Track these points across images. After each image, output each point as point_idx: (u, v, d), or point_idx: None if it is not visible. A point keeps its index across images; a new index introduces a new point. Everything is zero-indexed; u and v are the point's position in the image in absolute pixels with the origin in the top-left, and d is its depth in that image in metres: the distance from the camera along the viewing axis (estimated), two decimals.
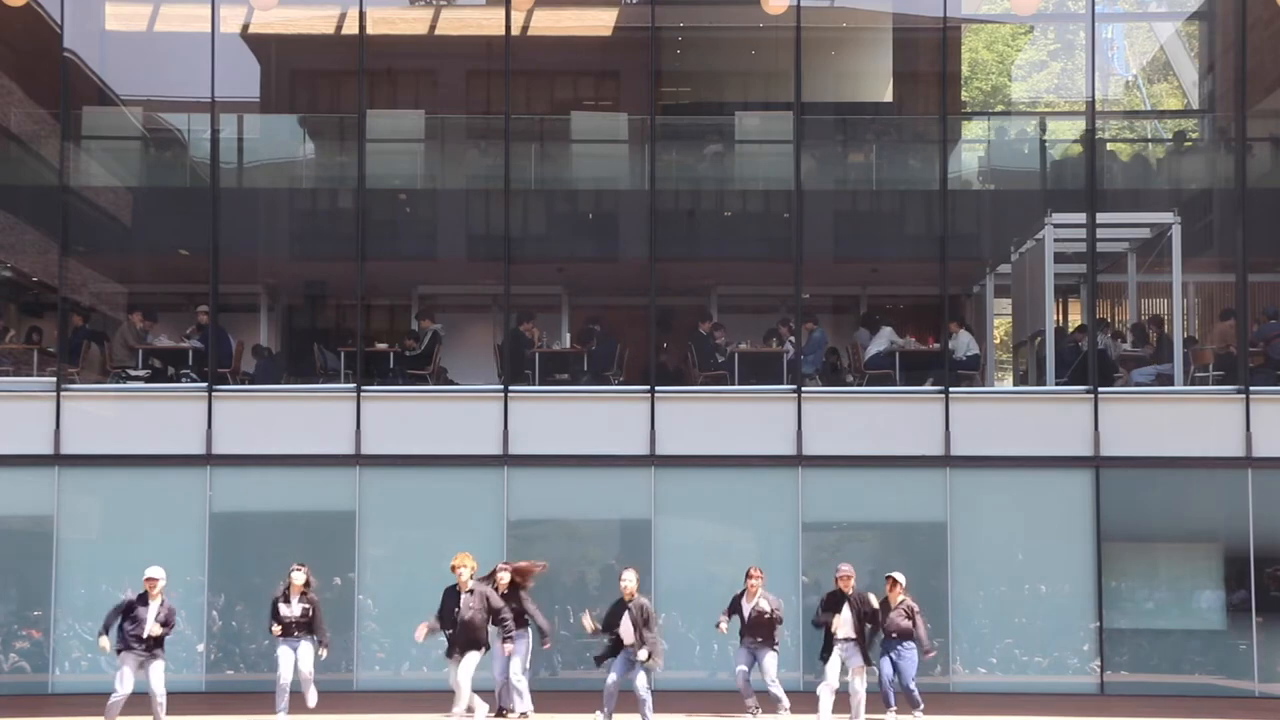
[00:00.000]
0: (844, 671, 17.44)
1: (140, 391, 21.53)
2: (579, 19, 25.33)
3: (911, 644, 17.93)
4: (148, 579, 17.02)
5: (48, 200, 21.83)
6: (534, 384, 21.64)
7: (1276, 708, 19.79)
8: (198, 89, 21.64)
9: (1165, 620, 21.04)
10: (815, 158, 22.61)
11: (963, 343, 22.14)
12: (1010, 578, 20.91)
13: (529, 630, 17.86)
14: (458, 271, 23.99)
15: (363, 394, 21.04)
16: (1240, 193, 21.53)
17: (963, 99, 27.61)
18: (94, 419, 20.93)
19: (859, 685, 17.33)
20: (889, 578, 18.06)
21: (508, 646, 17.50)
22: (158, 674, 16.98)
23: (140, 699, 16.96)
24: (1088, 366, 21.22)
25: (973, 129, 26.22)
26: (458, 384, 22.45)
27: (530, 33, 23.98)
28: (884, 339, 22.46)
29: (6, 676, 20.66)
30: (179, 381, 21.78)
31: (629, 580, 17.26)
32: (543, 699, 18.30)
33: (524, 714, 17.60)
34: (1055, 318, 23.17)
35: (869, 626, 17.63)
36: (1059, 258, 22.21)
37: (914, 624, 17.97)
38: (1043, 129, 25.41)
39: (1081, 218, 21.59)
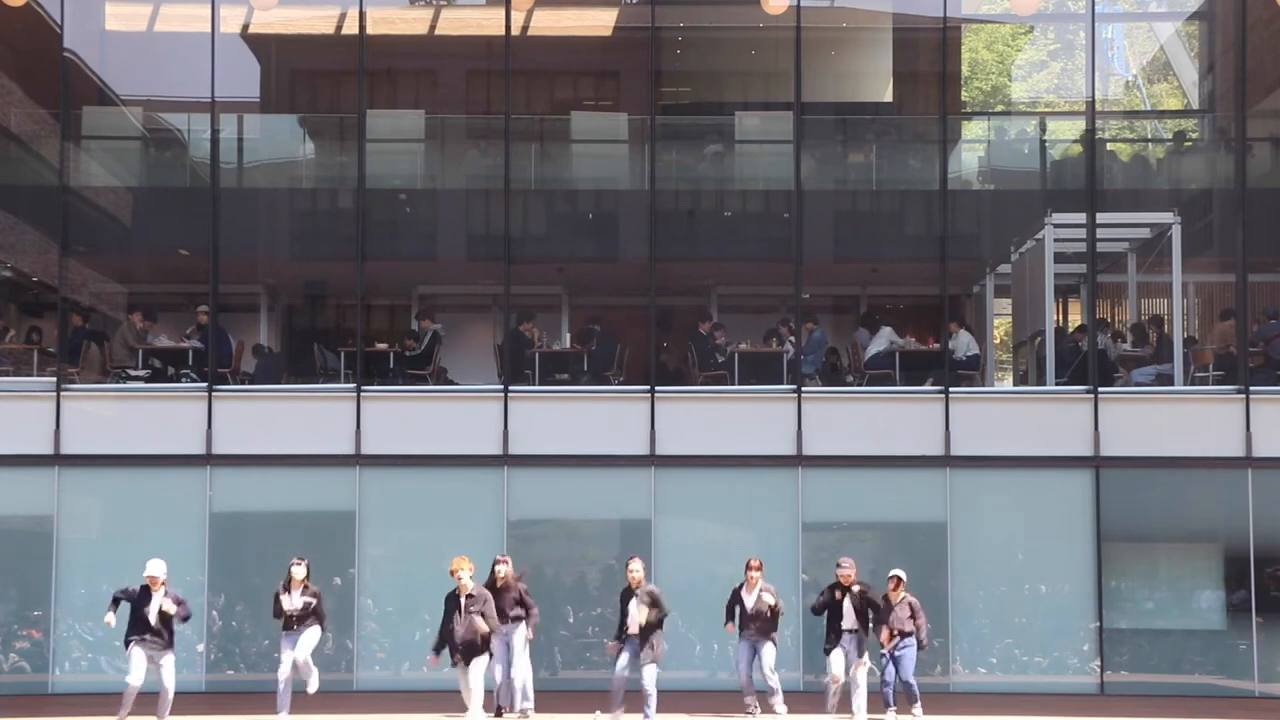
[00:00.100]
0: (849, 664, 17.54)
1: (140, 391, 21.52)
2: (579, 19, 25.33)
3: (911, 639, 17.94)
4: (149, 576, 16.99)
5: (48, 200, 21.83)
6: (534, 384, 21.63)
7: (1276, 708, 19.78)
8: (198, 89, 21.64)
9: (1165, 620, 21.04)
10: (815, 158, 22.60)
11: (963, 343, 22.14)
12: (1010, 578, 20.91)
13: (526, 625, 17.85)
14: (458, 271, 23.99)
15: (363, 394, 21.03)
16: (1240, 193, 21.53)
17: (963, 99, 27.61)
18: (94, 419, 20.93)
19: (861, 678, 17.44)
20: (893, 576, 18.05)
21: (518, 632, 17.47)
22: (169, 669, 16.95)
23: (144, 699, 16.95)
24: (1088, 366, 21.22)
25: (973, 129, 26.22)
26: (458, 384, 22.45)
27: (530, 33, 23.98)
28: (884, 339, 22.46)
29: (6, 676, 20.65)
30: (179, 381, 21.78)
31: (637, 569, 17.36)
32: (543, 699, 18.30)
33: (524, 712, 17.60)
34: (1055, 318, 23.17)
35: (870, 615, 17.66)
36: (1059, 258, 22.20)
37: (915, 620, 17.96)
38: (1043, 129, 25.41)
39: (1081, 218, 21.59)
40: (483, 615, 17.01)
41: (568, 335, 24.25)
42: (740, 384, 21.62)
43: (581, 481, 20.98)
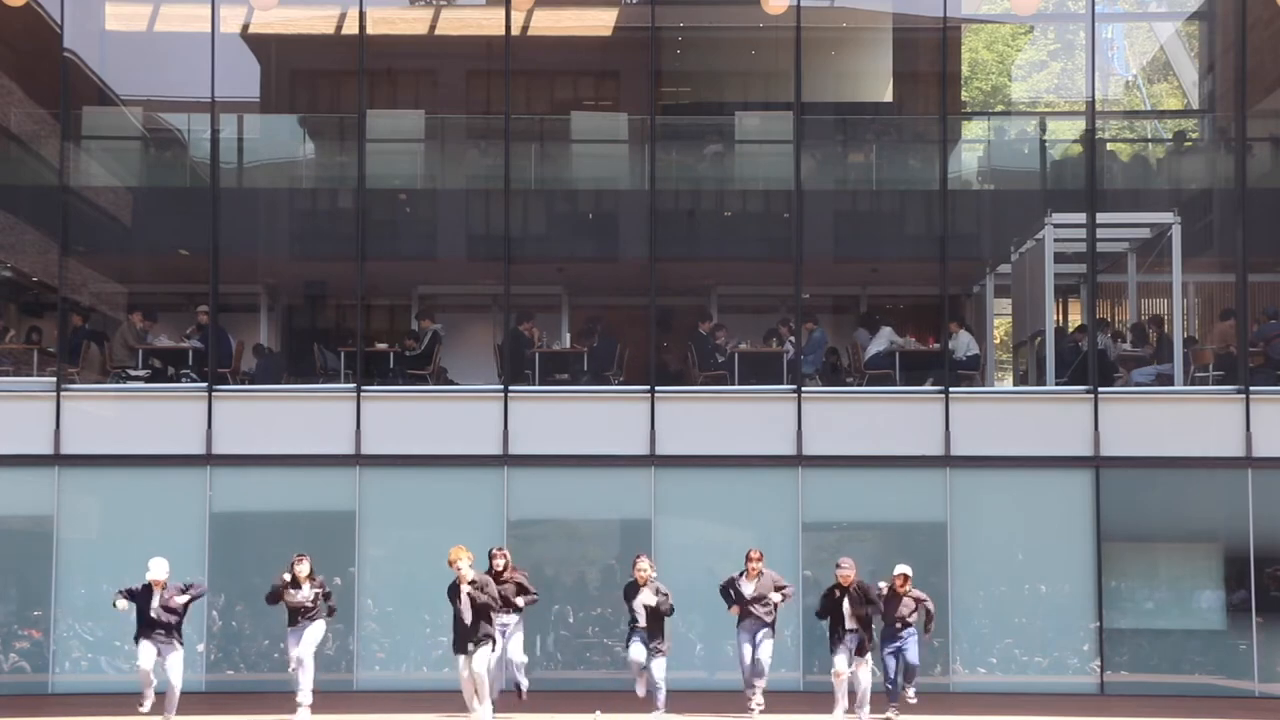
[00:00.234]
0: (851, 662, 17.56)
1: (140, 391, 21.52)
2: (579, 19, 25.32)
3: (913, 630, 17.91)
4: (152, 579, 16.90)
5: (48, 200, 21.83)
6: (534, 384, 21.63)
7: (1276, 708, 19.78)
8: (198, 89, 21.64)
9: (1165, 620, 21.05)
10: (815, 158, 22.60)
11: (963, 343, 22.13)
12: (1010, 578, 20.92)
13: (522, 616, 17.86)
14: (458, 271, 23.98)
15: (363, 394, 21.03)
16: (1240, 193, 21.53)
17: (963, 99, 27.59)
18: (94, 419, 20.93)
19: (863, 676, 17.47)
20: (899, 574, 18.01)
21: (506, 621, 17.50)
22: (175, 665, 16.86)
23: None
24: (1088, 366, 21.22)
25: (973, 129, 26.21)
26: (458, 384, 22.45)
27: (530, 33, 23.97)
28: (884, 339, 22.45)
29: (6, 676, 20.65)
30: (179, 381, 21.77)
31: (645, 567, 17.49)
32: (543, 698, 18.30)
33: (517, 687, 17.58)
34: (1055, 318, 23.17)
35: (871, 610, 17.62)
36: (1059, 258, 22.20)
37: (921, 614, 17.94)
38: (1043, 129, 25.40)
39: (1081, 218, 21.59)
40: (484, 591, 16.95)
41: (568, 335, 24.24)
42: (740, 384, 21.62)
43: (581, 481, 20.98)
